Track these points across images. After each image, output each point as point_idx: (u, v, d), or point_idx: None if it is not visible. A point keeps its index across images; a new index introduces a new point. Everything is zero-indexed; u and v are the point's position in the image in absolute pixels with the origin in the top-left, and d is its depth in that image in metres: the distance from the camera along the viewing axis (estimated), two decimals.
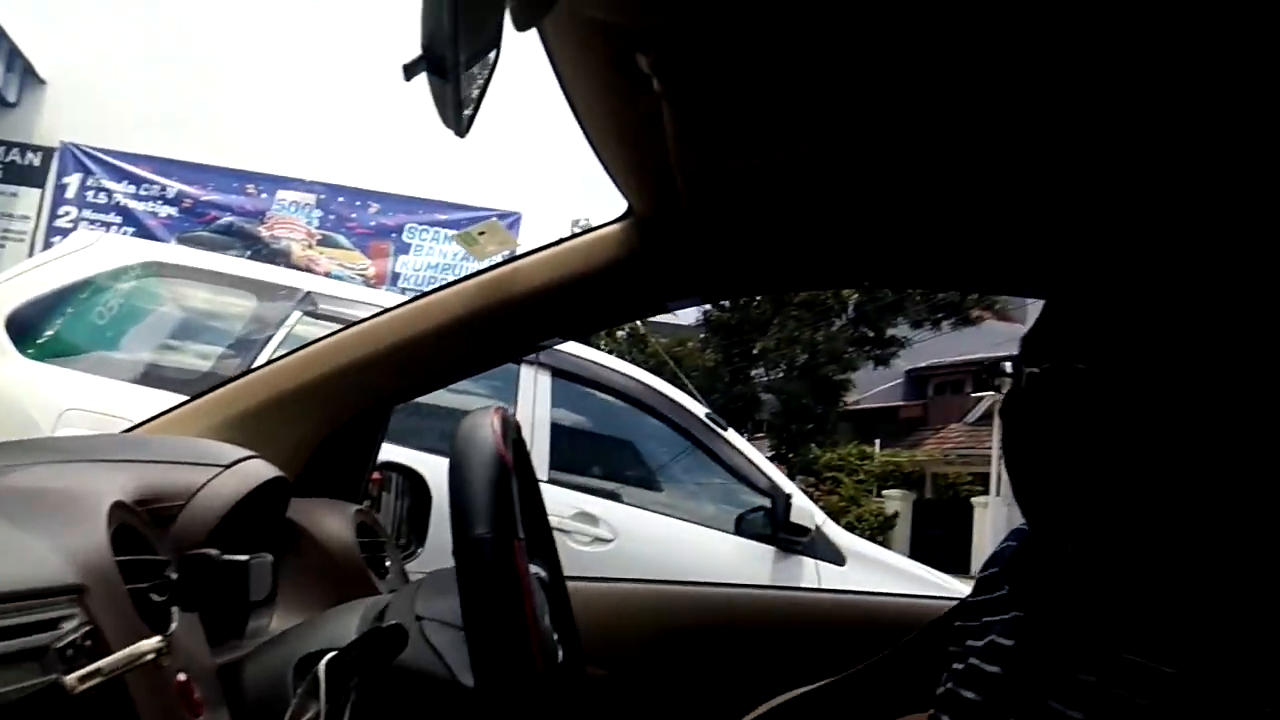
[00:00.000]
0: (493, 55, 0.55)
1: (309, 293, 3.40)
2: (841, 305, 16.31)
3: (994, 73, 0.70)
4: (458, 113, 0.56)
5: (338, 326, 1.27)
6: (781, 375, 17.48)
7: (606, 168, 0.96)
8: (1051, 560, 0.66)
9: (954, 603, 0.87)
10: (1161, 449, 0.57)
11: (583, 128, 0.87)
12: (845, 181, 0.93)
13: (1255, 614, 0.57)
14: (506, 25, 0.51)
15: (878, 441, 17.26)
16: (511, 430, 0.79)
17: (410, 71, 0.52)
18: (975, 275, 1.14)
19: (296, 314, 3.42)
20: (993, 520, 13.96)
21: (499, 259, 1.33)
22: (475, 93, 0.58)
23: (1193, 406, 0.57)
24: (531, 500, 0.94)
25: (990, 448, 15.29)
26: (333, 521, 1.08)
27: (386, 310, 1.25)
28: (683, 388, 4.16)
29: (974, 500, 15.10)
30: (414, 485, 1.55)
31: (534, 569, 0.95)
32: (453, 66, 0.51)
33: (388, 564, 1.14)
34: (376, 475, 1.49)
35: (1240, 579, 0.59)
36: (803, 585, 3.37)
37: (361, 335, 1.24)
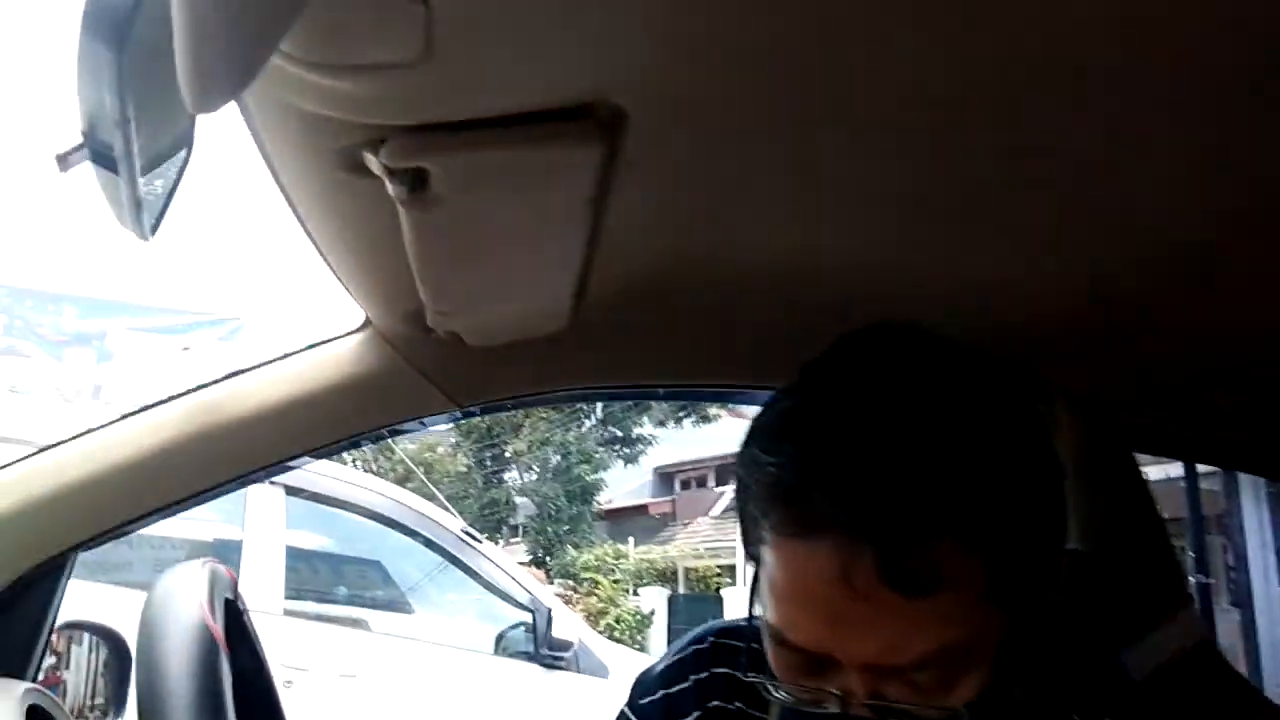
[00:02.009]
0: (182, 150, 0.46)
1: None
2: (590, 406, 16.60)
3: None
4: (136, 212, 0.45)
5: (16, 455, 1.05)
6: (535, 478, 17.39)
7: (337, 276, 0.86)
8: None
9: None
10: None
11: (307, 232, 0.77)
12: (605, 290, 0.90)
13: None
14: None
15: (631, 539, 17.46)
16: (223, 588, 0.66)
17: (65, 162, 0.41)
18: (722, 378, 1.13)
19: None
20: (743, 609, 14.37)
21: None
22: (161, 189, 0.48)
23: None
24: (252, 667, 0.79)
25: (734, 539, 15.91)
26: None
27: (74, 436, 1.06)
28: (433, 499, 3.97)
29: (724, 591, 15.56)
30: (110, 643, 1.30)
31: None
32: (124, 155, 0.41)
33: None
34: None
35: None
36: (567, 706, 3.24)
37: (41, 470, 1.03)
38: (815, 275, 0.92)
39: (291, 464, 1.10)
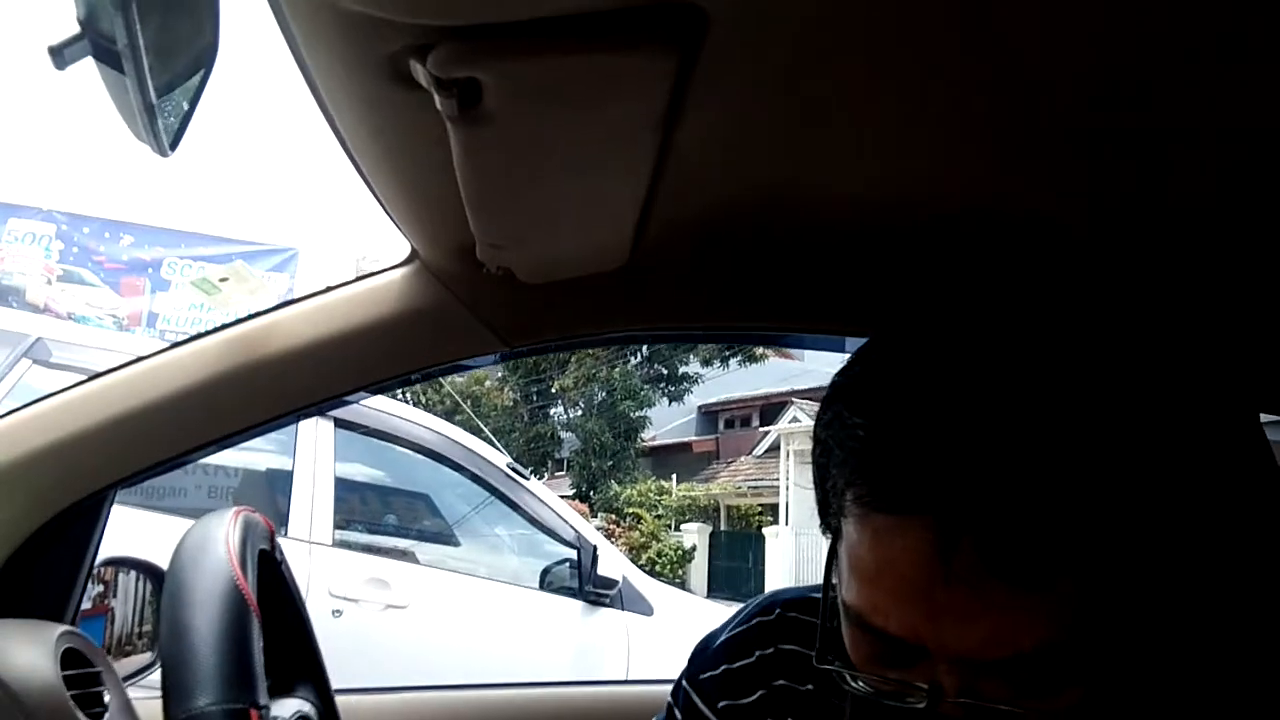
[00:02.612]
0: (203, 43, 0.39)
1: (39, 339, 2.95)
2: (636, 344, 16.60)
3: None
4: (151, 121, 0.39)
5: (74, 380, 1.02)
6: (581, 413, 17.55)
7: (383, 205, 0.80)
8: None
9: None
10: None
11: (349, 155, 0.70)
12: (671, 226, 0.82)
13: None
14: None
15: (674, 476, 17.59)
16: (257, 539, 0.61)
17: (62, 56, 0.34)
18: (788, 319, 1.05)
19: (25, 364, 2.96)
20: (783, 548, 14.50)
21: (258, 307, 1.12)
22: (181, 99, 0.41)
23: None
24: (291, 621, 0.75)
25: (778, 479, 15.92)
26: (26, 653, 0.83)
27: (113, 370, 1.02)
28: (480, 434, 3.97)
29: (765, 530, 15.64)
30: (153, 578, 1.29)
31: (296, 708, 0.76)
32: (128, 49, 0.34)
33: (106, 699, 0.90)
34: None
35: None
36: (610, 643, 3.25)
37: (79, 403, 0.99)
38: (902, 215, 0.83)
39: (334, 403, 1.05)
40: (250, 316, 1.03)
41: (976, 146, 0.75)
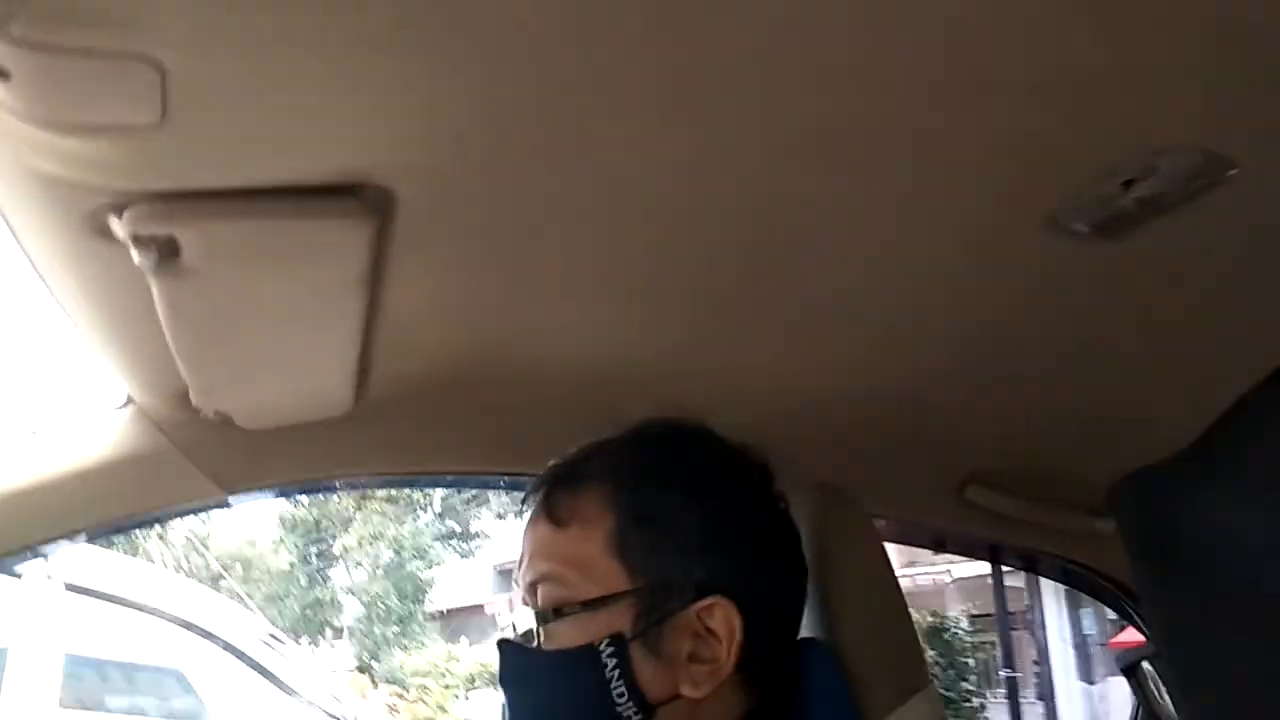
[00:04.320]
0: None
1: None
2: (427, 499, 16.12)
3: None
4: None
5: None
6: (366, 576, 16.56)
7: (95, 351, 0.81)
8: None
9: None
10: None
11: (56, 300, 0.72)
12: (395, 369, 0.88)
13: None
14: None
15: (464, 640, 16.78)
16: None
17: None
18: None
19: None
20: None
21: None
22: None
23: None
24: None
25: None
26: None
27: None
28: (240, 600, 3.70)
29: None
30: None
31: None
32: None
33: None
34: None
35: None
36: None
37: None
38: (598, 364, 0.93)
39: (40, 550, 1.00)
40: None
41: (658, 304, 0.87)
